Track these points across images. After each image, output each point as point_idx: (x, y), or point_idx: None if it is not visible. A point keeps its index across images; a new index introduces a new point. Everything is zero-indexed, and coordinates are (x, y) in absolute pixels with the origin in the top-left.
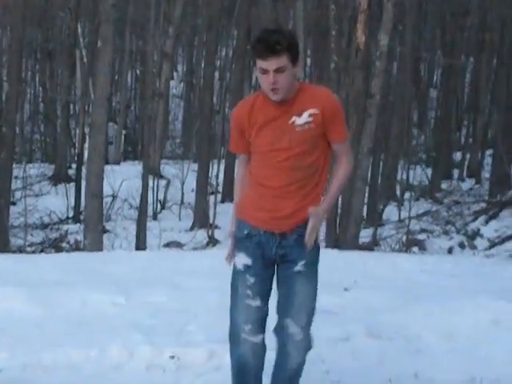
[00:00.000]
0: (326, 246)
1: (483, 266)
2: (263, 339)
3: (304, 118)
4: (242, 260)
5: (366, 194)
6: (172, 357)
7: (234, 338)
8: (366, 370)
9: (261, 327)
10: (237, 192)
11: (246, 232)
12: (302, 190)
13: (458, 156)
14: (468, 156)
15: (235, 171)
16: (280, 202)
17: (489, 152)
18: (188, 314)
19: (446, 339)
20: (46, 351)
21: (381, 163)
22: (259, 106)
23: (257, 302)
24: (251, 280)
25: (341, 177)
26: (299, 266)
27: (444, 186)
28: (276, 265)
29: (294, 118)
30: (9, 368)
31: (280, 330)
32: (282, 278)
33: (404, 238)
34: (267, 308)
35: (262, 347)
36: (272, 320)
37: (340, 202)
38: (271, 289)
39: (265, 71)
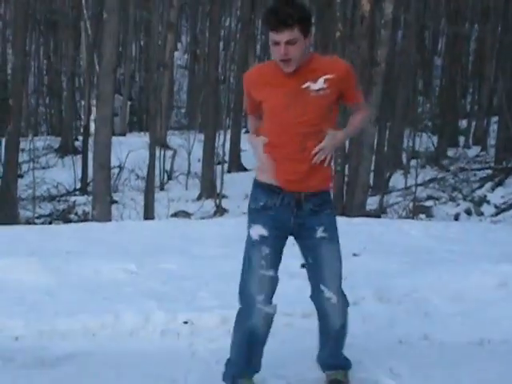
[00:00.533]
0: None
1: (489, 232)
2: (275, 307)
3: (319, 83)
4: (259, 231)
5: (373, 162)
6: (186, 322)
7: (246, 309)
8: (376, 332)
9: (272, 297)
10: (251, 123)
11: (261, 204)
12: (310, 156)
13: (463, 123)
14: (474, 123)
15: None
16: (295, 165)
17: (494, 119)
18: (199, 280)
19: (454, 302)
20: (60, 318)
21: (387, 131)
22: (272, 70)
23: (270, 272)
24: (266, 251)
25: (363, 115)
26: (320, 232)
27: (450, 153)
28: (293, 235)
29: (308, 84)
30: (25, 336)
31: (316, 296)
32: (307, 247)
33: (411, 205)
34: (278, 277)
35: (273, 316)
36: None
37: (347, 170)
38: (281, 259)
39: (276, 43)
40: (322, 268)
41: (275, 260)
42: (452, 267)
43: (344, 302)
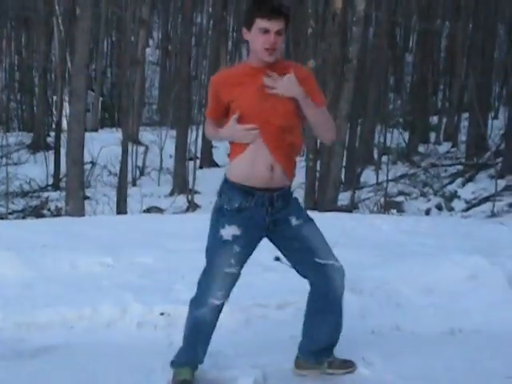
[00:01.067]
0: (306, 209)
1: (460, 226)
2: (226, 300)
3: None
4: (232, 231)
5: (344, 158)
6: (162, 314)
7: (198, 301)
8: (349, 323)
9: (229, 292)
10: (210, 128)
11: (236, 205)
12: (286, 150)
13: (434, 120)
14: (445, 119)
15: (206, 133)
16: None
17: (465, 115)
18: (175, 273)
19: (425, 294)
20: (38, 311)
21: (358, 127)
22: (241, 71)
23: (236, 269)
24: (237, 249)
25: (329, 116)
26: (294, 221)
27: (421, 149)
28: (267, 235)
29: None
30: (3, 328)
31: (316, 271)
32: (286, 237)
33: (382, 200)
34: (240, 274)
35: (222, 307)
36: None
37: (318, 166)
38: (249, 258)
39: (266, 31)
40: (311, 246)
41: (245, 257)
42: (423, 260)
43: (343, 267)
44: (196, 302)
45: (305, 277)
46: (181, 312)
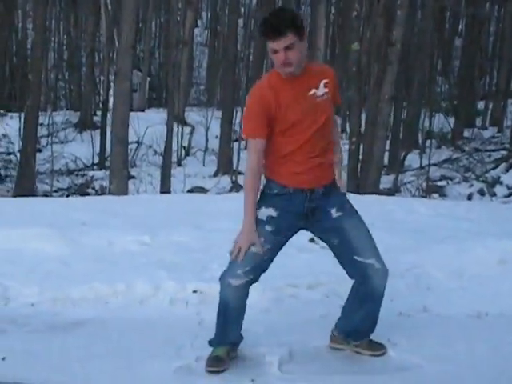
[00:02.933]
0: (348, 191)
1: (497, 211)
2: (250, 281)
3: (321, 88)
4: (268, 212)
5: (388, 142)
6: (195, 291)
7: (222, 281)
8: None
9: (255, 271)
10: (252, 185)
11: (275, 191)
12: (325, 155)
13: (481, 104)
14: (491, 105)
15: (252, 161)
16: (309, 162)
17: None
18: (210, 252)
19: (454, 277)
20: (74, 286)
21: (404, 111)
22: (278, 84)
23: (265, 248)
24: (269, 229)
25: (339, 142)
26: (334, 213)
27: (466, 134)
28: (306, 226)
29: (313, 90)
30: (40, 302)
31: (355, 269)
32: (325, 229)
33: (424, 184)
34: (269, 263)
35: (246, 287)
36: None
37: (362, 149)
38: (282, 246)
39: (275, 51)
40: (350, 241)
41: (275, 240)
42: (456, 244)
43: (386, 267)
44: (221, 283)
45: (346, 272)
46: (213, 290)
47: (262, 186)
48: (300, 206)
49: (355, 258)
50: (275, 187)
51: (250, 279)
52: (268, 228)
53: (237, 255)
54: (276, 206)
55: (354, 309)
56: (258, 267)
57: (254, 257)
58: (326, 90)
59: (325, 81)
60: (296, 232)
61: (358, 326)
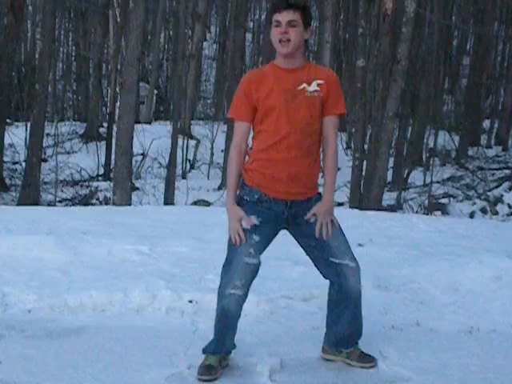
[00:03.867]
0: (350, 207)
1: (496, 229)
2: (248, 290)
3: (313, 86)
4: (251, 221)
5: (392, 159)
6: (190, 301)
7: (221, 291)
8: (371, 317)
9: (250, 282)
10: (234, 163)
11: (256, 197)
12: (311, 158)
13: (487, 123)
14: (496, 124)
15: (233, 143)
16: (291, 167)
17: None
18: (207, 263)
19: (449, 293)
20: (71, 294)
21: (409, 129)
22: (270, 72)
23: (256, 260)
24: (256, 239)
25: (333, 170)
26: (313, 217)
27: (471, 152)
28: (287, 228)
29: (304, 85)
30: (37, 308)
31: (331, 270)
32: (304, 233)
33: (426, 201)
34: (261, 263)
35: (245, 297)
36: None
37: (365, 166)
38: (268, 247)
39: (278, 23)
40: (327, 244)
41: (262, 248)
42: (452, 260)
43: (358, 264)
44: (220, 293)
45: (322, 274)
46: (208, 300)
47: (242, 194)
48: (280, 213)
49: (331, 259)
50: (256, 193)
51: (247, 290)
52: (255, 238)
53: (238, 238)
54: (258, 213)
55: (336, 317)
56: (252, 280)
57: (248, 269)
58: (318, 89)
59: (319, 81)
60: (278, 232)
61: (344, 333)
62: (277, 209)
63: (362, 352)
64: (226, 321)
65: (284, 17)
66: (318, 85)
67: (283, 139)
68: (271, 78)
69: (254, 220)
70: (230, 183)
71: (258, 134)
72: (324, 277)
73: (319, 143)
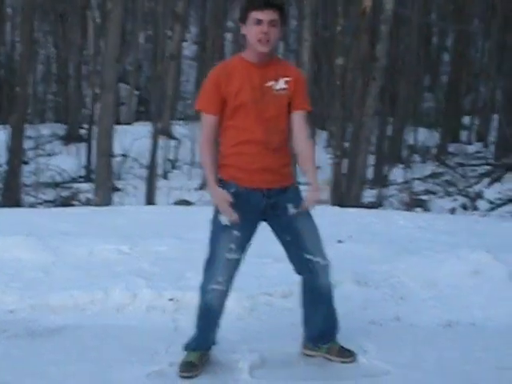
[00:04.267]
0: (331, 205)
1: (476, 224)
2: (230, 285)
3: (280, 83)
4: (233, 216)
5: (373, 156)
6: (171, 299)
7: (204, 287)
8: (350, 313)
9: (232, 277)
10: (207, 153)
11: (232, 190)
12: (281, 152)
13: (467, 120)
14: (476, 120)
15: (201, 135)
16: (264, 159)
17: (496, 116)
18: (187, 262)
19: (428, 288)
20: (53, 294)
21: (389, 126)
22: (239, 66)
23: (237, 255)
24: (237, 234)
25: (312, 154)
26: (291, 209)
27: (451, 149)
28: (266, 219)
29: (271, 83)
30: (19, 309)
31: (303, 266)
32: (281, 225)
33: (407, 198)
34: (242, 259)
35: (227, 292)
36: None
37: (345, 164)
38: (250, 243)
39: (259, 21)
40: (302, 239)
41: (244, 243)
42: (431, 255)
43: (329, 264)
44: (202, 289)
45: (296, 270)
46: (189, 298)
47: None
48: (258, 203)
49: (305, 255)
50: (232, 186)
51: (229, 286)
52: (236, 233)
53: (231, 219)
54: (236, 206)
55: (311, 314)
56: (234, 275)
57: (230, 265)
58: (285, 86)
59: (286, 79)
60: (258, 225)
61: (320, 328)
62: (254, 200)
63: (342, 347)
64: (209, 316)
65: (266, 16)
66: (286, 82)
67: (252, 136)
68: (240, 73)
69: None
70: (208, 168)
71: (226, 129)
72: (297, 273)
73: (287, 140)
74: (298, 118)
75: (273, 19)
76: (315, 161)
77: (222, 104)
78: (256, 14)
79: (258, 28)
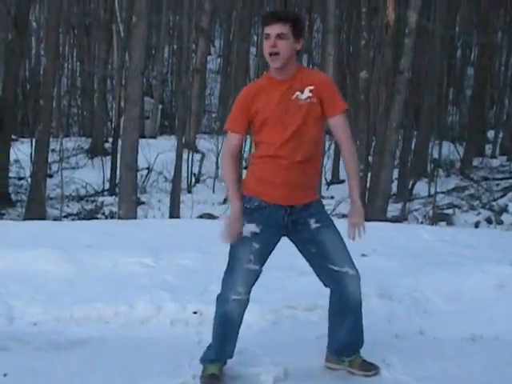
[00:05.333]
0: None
1: (500, 238)
2: (249, 296)
3: (306, 93)
4: (251, 229)
5: (397, 170)
6: (195, 312)
7: (222, 297)
8: (374, 326)
9: (251, 288)
10: (229, 169)
11: (256, 204)
12: (308, 164)
13: (492, 134)
14: (501, 134)
15: (225, 151)
16: (288, 174)
17: None
18: (211, 275)
19: (452, 301)
20: (77, 306)
21: (414, 139)
22: (265, 84)
23: (256, 267)
24: (256, 246)
25: (353, 169)
26: (313, 224)
27: (475, 162)
28: (287, 234)
29: (297, 93)
30: (42, 321)
31: (332, 278)
32: (304, 240)
33: (431, 212)
34: (261, 271)
35: (247, 303)
36: None
37: (369, 177)
38: (270, 255)
39: (267, 36)
40: (327, 251)
41: (263, 255)
42: (455, 269)
43: (358, 273)
44: (220, 299)
45: (323, 282)
46: (213, 311)
47: (243, 203)
48: (280, 219)
49: (331, 267)
50: (255, 201)
51: (248, 297)
52: (255, 245)
53: (227, 237)
54: (257, 221)
55: (337, 325)
56: (253, 285)
57: (249, 276)
58: (310, 94)
59: (310, 87)
60: (279, 240)
61: (345, 341)
62: (276, 215)
63: (365, 360)
64: (229, 326)
65: (272, 30)
66: (310, 90)
67: (279, 149)
68: (266, 91)
69: (255, 228)
70: (229, 183)
71: (256, 144)
72: (325, 285)
73: (317, 147)
74: (335, 123)
75: (280, 33)
76: (357, 174)
77: (249, 123)
78: (265, 29)
79: (266, 42)
